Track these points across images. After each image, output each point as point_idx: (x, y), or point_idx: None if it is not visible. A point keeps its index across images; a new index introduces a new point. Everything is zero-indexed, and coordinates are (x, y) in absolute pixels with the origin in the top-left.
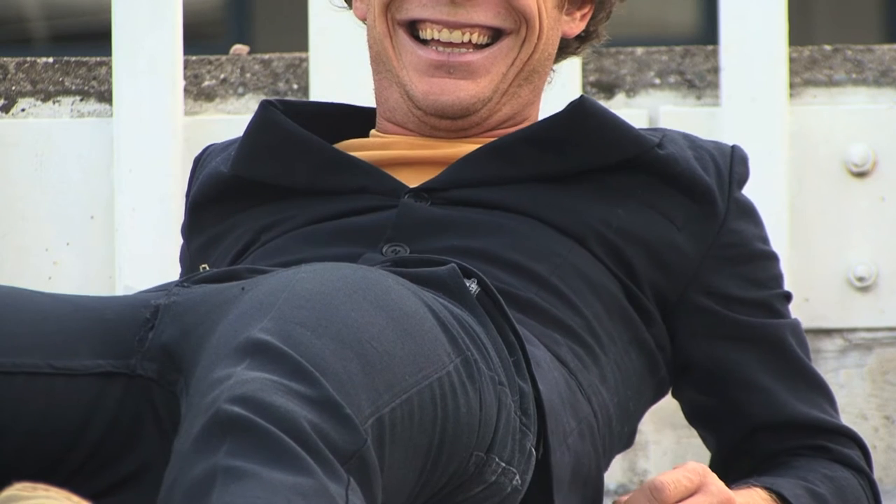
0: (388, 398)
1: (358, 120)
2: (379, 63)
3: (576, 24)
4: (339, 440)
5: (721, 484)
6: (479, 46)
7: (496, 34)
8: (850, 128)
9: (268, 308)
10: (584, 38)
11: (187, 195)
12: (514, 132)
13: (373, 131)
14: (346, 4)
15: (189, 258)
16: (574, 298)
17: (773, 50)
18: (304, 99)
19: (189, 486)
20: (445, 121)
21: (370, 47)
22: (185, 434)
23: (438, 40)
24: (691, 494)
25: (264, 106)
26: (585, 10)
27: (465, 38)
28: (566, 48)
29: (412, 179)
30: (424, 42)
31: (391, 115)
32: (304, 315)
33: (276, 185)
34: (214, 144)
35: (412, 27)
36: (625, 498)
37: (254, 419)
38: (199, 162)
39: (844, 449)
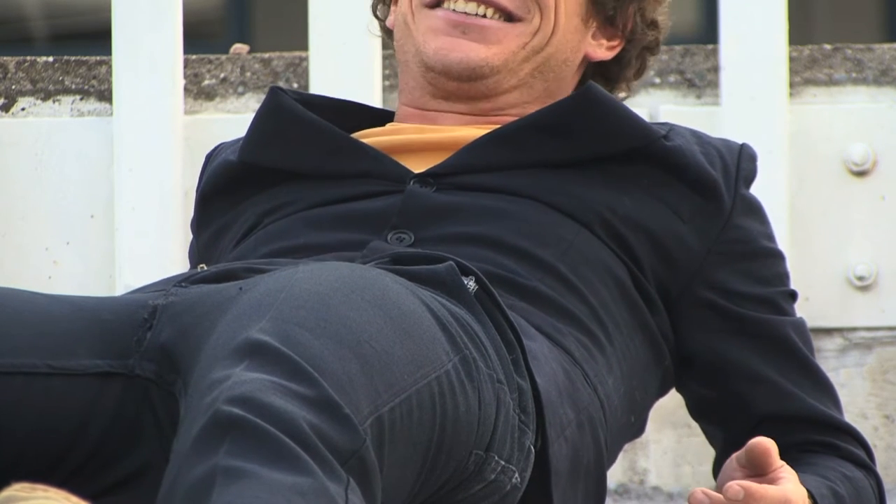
0: (387, 398)
1: (370, 119)
2: (400, 46)
3: (601, 52)
4: (339, 440)
5: None
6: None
7: (509, 19)
8: (850, 127)
9: (266, 308)
10: (611, 80)
11: (197, 190)
12: (521, 118)
13: (389, 124)
14: (381, 23)
15: (198, 253)
16: (580, 286)
17: (773, 49)
18: None
19: (189, 487)
20: (453, 84)
21: (396, 37)
22: (184, 435)
23: (455, 10)
24: None
25: (273, 91)
26: (614, 42)
27: (481, 11)
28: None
29: (418, 165)
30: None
31: (409, 98)
32: (303, 315)
33: (283, 170)
34: (225, 142)
35: (433, 6)
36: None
37: (253, 419)
38: (209, 158)
39: (851, 447)
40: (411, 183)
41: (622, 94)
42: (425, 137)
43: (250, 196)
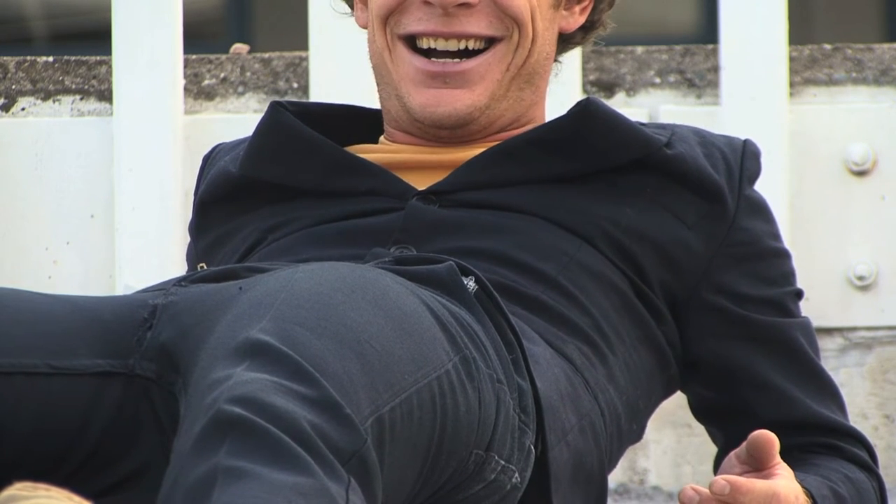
0: (388, 397)
1: (367, 122)
2: (379, 74)
3: (574, 19)
4: (340, 440)
5: None
6: (474, 53)
7: (490, 41)
8: (850, 127)
9: (266, 308)
10: (588, 28)
11: (195, 193)
12: (521, 134)
13: (381, 138)
14: (349, 11)
15: (195, 256)
16: (581, 298)
17: (773, 49)
18: (304, 98)
19: (190, 487)
20: (444, 131)
21: (371, 57)
22: (185, 435)
23: (435, 49)
24: None
25: (273, 107)
26: (585, 2)
27: (462, 46)
28: (570, 39)
29: (420, 183)
30: (422, 52)
31: (396, 125)
32: (303, 315)
33: (285, 186)
34: (223, 143)
35: (411, 39)
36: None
37: (254, 419)
38: (207, 160)
39: (854, 449)
40: (413, 199)
41: (601, 31)
42: (426, 157)
43: (251, 210)
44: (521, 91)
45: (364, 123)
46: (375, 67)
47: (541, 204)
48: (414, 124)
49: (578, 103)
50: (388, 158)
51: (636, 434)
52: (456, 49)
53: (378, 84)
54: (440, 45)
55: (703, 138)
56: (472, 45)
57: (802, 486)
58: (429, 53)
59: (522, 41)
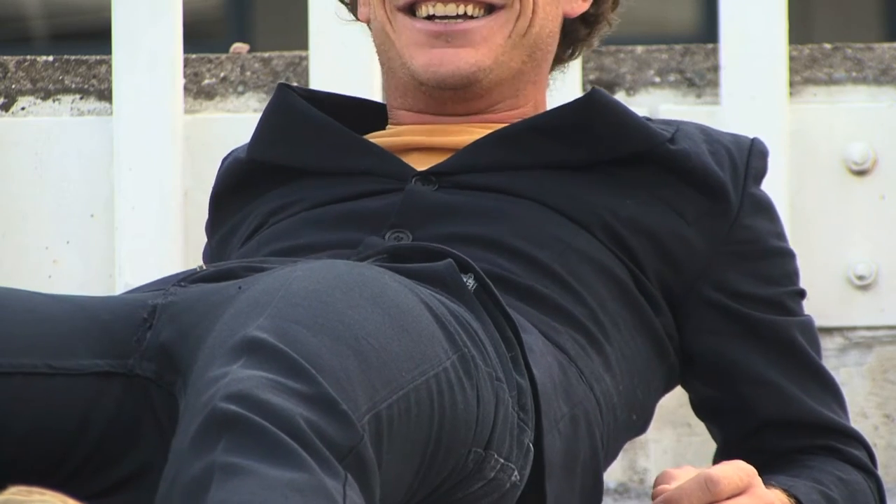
0: (385, 394)
1: (375, 116)
2: (383, 52)
3: (578, 5)
4: (336, 436)
5: (764, 489)
6: (474, 18)
7: (490, 9)
8: (850, 126)
9: (264, 306)
10: (591, 23)
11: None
12: (525, 119)
13: (387, 126)
14: (352, 16)
15: (210, 254)
16: (576, 286)
17: (773, 48)
18: None
19: (186, 484)
20: (448, 92)
21: (375, 40)
22: (181, 433)
23: (434, 15)
24: (740, 493)
25: (281, 88)
26: None
27: (461, 11)
28: (574, 33)
29: (422, 164)
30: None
31: (401, 102)
32: (300, 312)
33: (289, 167)
34: (238, 147)
35: (410, 9)
36: (674, 483)
37: (249, 416)
38: (224, 162)
39: (851, 449)
40: (413, 181)
41: (605, 30)
42: (428, 140)
43: (259, 195)
44: (522, 63)
45: (371, 116)
46: (380, 46)
47: (541, 189)
48: (419, 91)
49: (584, 93)
50: (390, 141)
51: (638, 425)
52: (455, 14)
53: (383, 64)
54: (439, 10)
55: (709, 136)
56: (471, 10)
57: (790, 494)
58: (429, 18)
59: (524, 10)
